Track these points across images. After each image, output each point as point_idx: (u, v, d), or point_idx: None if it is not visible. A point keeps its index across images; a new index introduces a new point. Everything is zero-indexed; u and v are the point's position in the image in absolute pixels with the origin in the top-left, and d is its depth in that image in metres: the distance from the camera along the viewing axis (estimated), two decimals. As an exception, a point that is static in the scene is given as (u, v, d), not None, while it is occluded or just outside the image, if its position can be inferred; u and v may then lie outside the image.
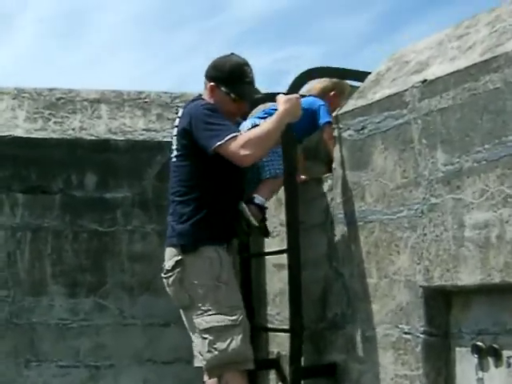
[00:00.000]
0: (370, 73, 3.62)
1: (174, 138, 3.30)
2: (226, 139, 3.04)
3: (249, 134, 3.09)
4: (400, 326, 3.00)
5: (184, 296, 3.14)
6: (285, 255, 3.48)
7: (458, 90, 2.76)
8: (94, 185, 4.11)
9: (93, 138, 4.13)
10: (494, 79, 2.61)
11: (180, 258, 3.12)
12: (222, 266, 3.13)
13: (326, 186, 3.57)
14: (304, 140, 4.07)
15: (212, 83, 3.27)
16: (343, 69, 3.60)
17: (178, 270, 3.12)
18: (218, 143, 3.05)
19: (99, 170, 4.12)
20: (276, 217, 3.96)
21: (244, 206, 3.33)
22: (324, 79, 3.92)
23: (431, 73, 2.98)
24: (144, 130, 4.22)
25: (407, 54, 3.43)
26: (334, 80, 3.93)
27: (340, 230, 3.40)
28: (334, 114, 3.54)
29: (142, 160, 4.13)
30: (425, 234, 2.89)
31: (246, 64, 3.32)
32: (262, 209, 3.40)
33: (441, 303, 2.89)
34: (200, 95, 3.35)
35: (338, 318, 3.40)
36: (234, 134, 3.07)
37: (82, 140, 4.12)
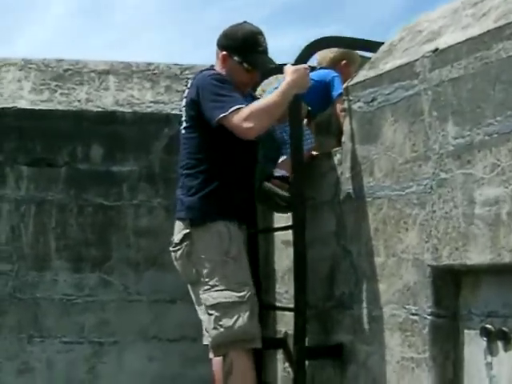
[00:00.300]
0: (383, 43, 3.47)
1: (183, 109, 3.21)
2: (229, 111, 2.95)
3: (252, 107, 2.98)
4: (407, 306, 2.87)
5: (191, 270, 3.06)
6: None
7: (470, 59, 2.61)
8: (99, 158, 4.02)
9: (99, 109, 4.04)
10: (508, 47, 2.45)
11: (188, 231, 3.04)
12: (232, 241, 3.04)
13: (335, 161, 3.43)
14: (318, 115, 3.94)
15: (224, 52, 3.17)
16: (354, 38, 3.45)
17: (185, 243, 3.05)
18: (222, 115, 2.95)
19: (105, 142, 4.03)
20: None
21: (267, 183, 3.26)
22: (333, 49, 3.75)
23: (443, 42, 2.82)
24: (152, 102, 4.12)
25: (421, 23, 3.27)
26: (343, 49, 3.77)
27: (348, 206, 3.28)
28: (344, 85, 3.40)
29: (150, 133, 4.03)
30: (434, 211, 2.76)
31: (260, 33, 3.22)
32: (285, 179, 3.34)
33: (449, 283, 2.75)
34: (212, 66, 3.24)
35: (345, 297, 3.29)
36: (239, 106, 2.96)
37: (88, 112, 4.02)
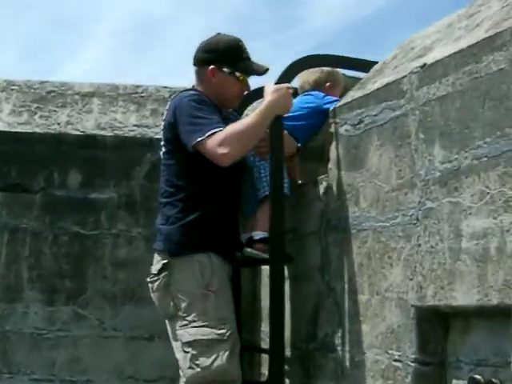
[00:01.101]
0: (376, 62, 3.21)
1: (161, 133, 2.99)
2: (206, 135, 2.71)
3: (227, 130, 2.74)
4: (390, 351, 2.56)
5: (168, 303, 2.82)
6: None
7: (458, 73, 2.33)
8: (77, 184, 3.81)
9: (79, 133, 3.82)
10: (498, 59, 2.17)
11: (167, 261, 2.81)
12: (214, 273, 2.80)
13: (321, 189, 3.16)
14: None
15: (212, 66, 2.94)
16: (345, 57, 3.18)
17: (164, 274, 2.82)
18: (199, 139, 2.72)
19: (84, 167, 3.82)
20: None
21: (248, 250, 3.01)
22: (314, 70, 3.45)
23: (432, 56, 2.55)
24: (135, 125, 3.90)
25: (415, 39, 3.01)
26: (326, 69, 3.48)
27: (334, 238, 3.00)
28: (331, 107, 3.13)
29: (131, 158, 3.79)
30: (419, 245, 2.46)
31: (240, 40, 3.04)
32: (266, 240, 3.01)
33: (436, 326, 2.44)
34: (193, 86, 3.02)
35: (328, 339, 2.98)
36: (216, 130, 2.71)
37: (67, 135, 3.81)
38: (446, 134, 2.37)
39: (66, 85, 4.09)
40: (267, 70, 3.06)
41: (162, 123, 2.98)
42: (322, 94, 3.38)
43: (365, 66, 3.18)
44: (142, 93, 4.09)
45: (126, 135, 3.85)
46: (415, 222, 2.49)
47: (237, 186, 3.04)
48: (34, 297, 3.75)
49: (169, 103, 2.97)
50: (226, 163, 2.77)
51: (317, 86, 3.46)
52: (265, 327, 3.63)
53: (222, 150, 2.70)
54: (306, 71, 3.42)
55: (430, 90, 2.47)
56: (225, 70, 2.94)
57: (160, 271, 2.82)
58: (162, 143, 2.97)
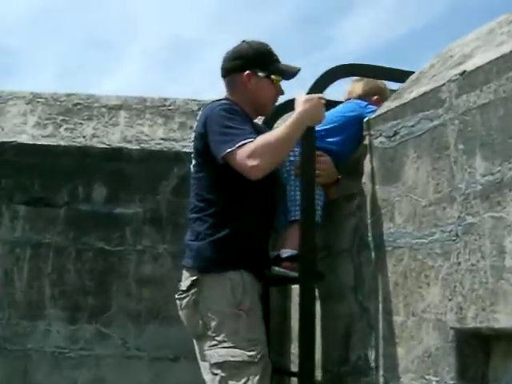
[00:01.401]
0: (413, 72, 3.07)
1: (192, 144, 2.88)
2: (237, 145, 2.58)
3: (257, 141, 2.60)
4: (427, 376, 2.40)
5: (197, 322, 2.68)
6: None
7: (501, 80, 2.19)
8: (102, 198, 3.70)
9: (104, 146, 3.71)
10: (545, 63, 2.03)
11: (196, 277, 2.68)
12: (245, 292, 2.66)
13: (354, 204, 3.02)
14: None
15: (247, 72, 2.84)
16: (380, 67, 3.04)
17: (193, 291, 2.68)
18: (229, 149, 2.59)
19: (109, 182, 3.71)
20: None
21: (276, 269, 2.86)
22: (367, 80, 3.34)
23: (472, 63, 2.40)
24: (162, 139, 3.78)
25: (453, 48, 2.87)
26: (376, 82, 3.34)
27: (367, 256, 2.84)
28: (365, 119, 3.00)
29: (158, 172, 3.68)
30: (459, 263, 2.30)
31: (268, 44, 2.95)
32: (294, 258, 2.86)
33: (477, 350, 2.28)
34: (225, 98, 2.91)
35: (361, 362, 2.83)
36: (247, 140, 2.59)
37: (92, 148, 3.71)
38: (487, 144, 2.22)
39: (93, 97, 4.00)
40: (299, 69, 2.98)
41: (193, 134, 2.87)
42: (365, 103, 3.24)
43: (401, 76, 3.04)
44: (169, 106, 3.99)
45: (153, 148, 3.74)
46: (454, 238, 2.34)
47: (269, 201, 2.91)
48: (57, 314, 3.64)
49: (200, 113, 2.85)
50: (256, 176, 2.65)
51: (364, 97, 3.32)
52: (294, 349, 3.47)
53: (252, 162, 2.57)
54: (354, 81, 3.33)
55: (470, 98, 2.32)
56: (260, 74, 2.85)
57: (189, 288, 2.69)
58: (192, 155, 2.87)
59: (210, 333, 2.64)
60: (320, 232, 3.00)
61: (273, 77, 2.88)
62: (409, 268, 2.56)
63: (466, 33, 2.86)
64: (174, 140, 3.77)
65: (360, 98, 3.42)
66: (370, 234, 2.84)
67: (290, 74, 2.94)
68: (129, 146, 3.74)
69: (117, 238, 3.70)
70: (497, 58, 2.23)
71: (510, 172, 2.11)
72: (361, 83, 3.41)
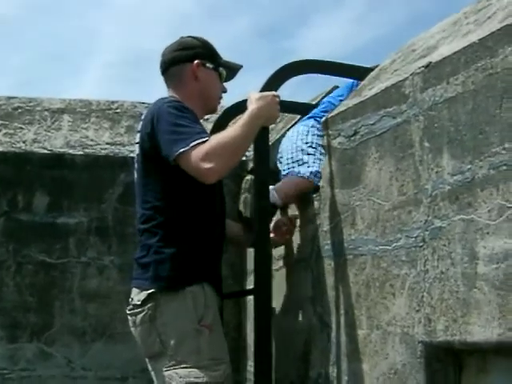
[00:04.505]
0: (373, 69, 2.89)
1: (136, 147, 2.62)
2: (190, 145, 2.34)
3: (212, 142, 2.36)
4: (393, 395, 2.21)
5: (154, 340, 2.41)
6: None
7: (469, 71, 2.01)
8: (43, 207, 3.47)
9: (46, 151, 3.47)
10: (518, 50, 1.85)
11: (154, 290, 2.40)
12: (207, 306, 2.42)
13: (311, 210, 2.82)
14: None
15: (196, 61, 2.62)
16: (337, 63, 2.86)
17: (149, 305, 2.40)
18: (182, 149, 2.34)
19: (51, 189, 3.49)
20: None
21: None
22: None
23: (438, 54, 2.23)
24: (108, 143, 3.56)
25: (416, 42, 2.70)
26: None
27: (326, 265, 2.66)
28: (323, 119, 2.81)
29: (103, 179, 3.45)
30: (426, 271, 2.12)
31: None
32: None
33: (447, 366, 2.10)
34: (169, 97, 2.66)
35: (321, 380, 2.63)
36: (201, 140, 2.35)
37: (33, 154, 3.47)
38: (456, 141, 2.05)
39: (35, 100, 3.76)
40: (241, 67, 2.80)
41: (137, 136, 2.61)
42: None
43: (361, 73, 2.87)
44: (116, 109, 3.76)
45: (98, 154, 3.51)
46: (421, 244, 2.15)
47: (221, 208, 2.69)
48: (-5, 333, 3.38)
49: (144, 113, 2.62)
50: (211, 180, 2.41)
51: None
52: (251, 366, 3.27)
53: (207, 165, 2.32)
54: None
55: (436, 91, 2.15)
56: (208, 65, 2.64)
57: (144, 302, 2.41)
58: (136, 158, 2.61)
59: (168, 351, 2.38)
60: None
61: (220, 69, 2.68)
62: (372, 277, 2.38)
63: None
64: (121, 144, 3.54)
65: None
66: (329, 242, 2.65)
67: (234, 69, 2.76)
68: (72, 151, 3.51)
69: (59, 250, 3.47)
70: (464, 48, 2.05)
71: (481, 170, 1.94)
72: None
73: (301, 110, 3.21)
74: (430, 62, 2.20)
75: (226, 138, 2.40)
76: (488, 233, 1.90)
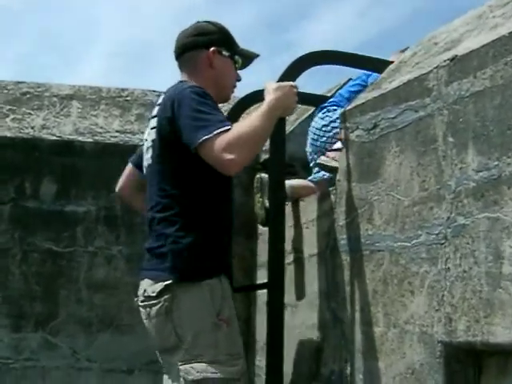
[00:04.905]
0: (392, 62, 2.84)
1: (151, 132, 2.49)
2: (214, 133, 2.24)
3: (234, 132, 2.26)
4: (410, 395, 2.16)
5: (169, 333, 2.32)
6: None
7: (498, 65, 1.95)
8: (51, 195, 3.42)
9: (54, 138, 3.41)
10: (551, 45, 1.80)
11: (171, 281, 2.30)
12: (224, 299, 2.34)
13: (327, 204, 2.77)
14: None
15: (213, 48, 2.53)
16: (356, 55, 2.81)
17: (166, 297, 2.30)
18: (205, 137, 2.24)
19: (59, 177, 3.43)
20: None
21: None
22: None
23: (463, 47, 2.18)
24: (118, 131, 3.50)
25: (437, 35, 2.64)
26: None
27: (342, 261, 2.60)
28: (340, 110, 2.76)
29: (113, 167, 3.31)
30: (448, 269, 2.07)
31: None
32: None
33: (467, 367, 2.05)
34: (182, 81, 2.57)
35: (334, 378, 2.59)
36: (224, 128, 2.26)
37: (41, 140, 3.42)
38: (482, 136, 1.99)
39: (43, 86, 3.70)
40: (258, 55, 2.71)
41: (153, 121, 2.49)
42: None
43: (379, 65, 2.82)
44: (127, 96, 3.70)
45: (108, 142, 3.45)
46: (443, 241, 2.10)
47: (232, 197, 2.61)
48: (0, 322, 3.33)
49: (162, 97, 2.50)
50: (232, 171, 2.33)
51: None
52: (260, 361, 3.23)
53: (229, 156, 2.23)
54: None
55: (462, 85, 2.09)
56: (224, 53, 2.55)
57: (160, 294, 2.31)
58: (150, 144, 2.48)
59: (184, 345, 2.30)
60: (288, 234, 2.75)
61: (236, 57, 2.60)
62: (389, 274, 2.33)
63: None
64: (131, 133, 3.48)
65: None
66: (345, 237, 2.60)
67: (250, 57, 2.68)
68: (81, 138, 3.45)
69: (67, 239, 3.42)
70: (493, 41, 2.00)
71: (508, 168, 1.88)
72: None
73: (316, 101, 3.16)
74: (456, 55, 2.14)
75: (248, 128, 2.32)
76: (515, 232, 1.85)
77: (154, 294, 2.32)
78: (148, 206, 2.48)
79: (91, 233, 3.41)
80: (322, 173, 3.00)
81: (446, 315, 2.06)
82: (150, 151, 2.48)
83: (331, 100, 3.20)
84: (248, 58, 2.67)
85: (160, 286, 2.31)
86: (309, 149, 3.14)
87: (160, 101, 2.48)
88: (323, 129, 3.03)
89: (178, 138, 2.33)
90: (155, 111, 2.50)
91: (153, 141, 2.46)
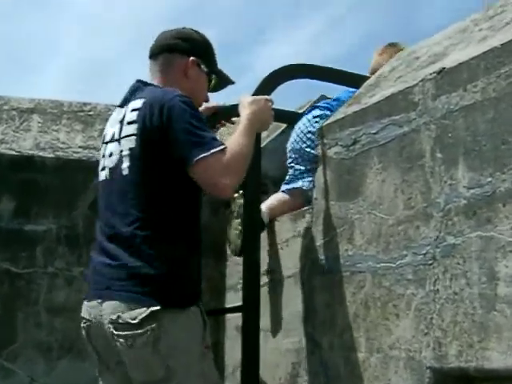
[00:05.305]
0: (369, 77, 2.76)
1: (127, 140, 2.22)
2: (211, 151, 2.09)
3: (227, 155, 2.12)
4: (396, 426, 2.05)
5: (158, 366, 2.08)
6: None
7: (491, 77, 1.88)
8: (9, 213, 3.22)
9: (13, 153, 3.25)
10: (548, 56, 1.73)
11: (157, 308, 2.06)
12: (206, 326, 2.16)
13: (303, 224, 2.66)
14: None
15: (192, 58, 2.35)
16: (337, 70, 2.72)
17: (153, 325, 2.05)
18: (201, 155, 2.08)
19: (18, 194, 3.24)
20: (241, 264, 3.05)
21: None
22: (390, 50, 3.16)
23: (451, 60, 2.10)
24: (81, 147, 3.35)
25: (418, 49, 2.57)
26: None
27: (319, 282, 2.50)
28: (317, 126, 2.66)
29: (75, 184, 3.22)
30: (437, 291, 1.98)
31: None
32: None
33: (459, 395, 1.95)
34: (148, 83, 2.35)
35: (311, 406, 2.46)
36: (220, 148, 2.11)
37: (0, 155, 3.23)
38: (473, 152, 1.91)
39: (2, 99, 3.53)
40: (234, 82, 2.55)
41: (129, 127, 2.21)
42: None
43: (355, 80, 2.73)
44: (89, 111, 3.55)
45: (70, 157, 3.29)
46: (431, 261, 2.01)
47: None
48: (-49, 347, 3.14)
49: (143, 101, 2.21)
50: (227, 195, 2.21)
51: None
52: (228, 387, 3.09)
53: (225, 180, 2.10)
54: (381, 54, 3.17)
55: (450, 99, 2.01)
56: (202, 67, 2.38)
57: (144, 321, 2.05)
58: (127, 153, 2.20)
59: (175, 379, 2.08)
60: (262, 255, 2.62)
61: (213, 76, 2.44)
62: (372, 296, 2.22)
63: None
64: (94, 148, 3.32)
65: None
66: (322, 257, 2.49)
67: (226, 81, 2.52)
68: (42, 153, 3.28)
69: (25, 259, 3.22)
70: (484, 53, 1.93)
71: (503, 184, 1.80)
72: (389, 55, 3.13)
73: (289, 118, 3.06)
74: (444, 68, 2.06)
75: (238, 148, 2.15)
76: (511, 251, 1.76)
77: (136, 322, 2.07)
78: (118, 219, 2.19)
79: (51, 253, 3.22)
80: (301, 182, 2.88)
81: (435, 339, 1.96)
82: (127, 161, 2.20)
83: (327, 101, 3.06)
84: (223, 82, 2.50)
85: (143, 312, 2.06)
86: (290, 147, 3.00)
87: (138, 104, 2.22)
88: (308, 136, 2.91)
89: (164, 148, 2.14)
90: (132, 115, 2.23)
91: (131, 149, 2.20)
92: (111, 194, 2.23)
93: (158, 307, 2.04)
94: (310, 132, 2.89)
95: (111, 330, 2.09)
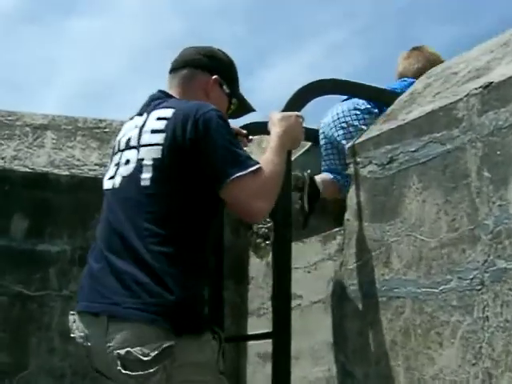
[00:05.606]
0: (400, 94, 2.66)
1: (150, 149, 2.06)
2: (248, 170, 1.98)
3: (262, 177, 2.01)
4: None
5: None
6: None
7: (546, 91, 1.77)
8: (22, 232, 3.09)
9: (27, 170, 3.13)
10: None
11: (171, 343, 1.88)
12: (221, 350, 2.01)
13: (333, 246, 2.55)
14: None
15: (215, 76, 2.24)
16: (365, 85, 2.62)
17: (164, 362, 1.88)
18: (239, 173, 1.97)
19: (31, 213, 3.11)
20: (265, 288, 2.93)
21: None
22: (419, 58, 3.14)
23: (498, 74, 1.99)
24: (97, 164, 3.23)
25: (452, 66, 2.47)
26: (432, 58, 3.09)
27: (352, 308, 2.37)
28: (348, 144, 2.55)
29: (90, 203, 3.08)
30: (486, 318, 1.86)
31: None
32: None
33: (511, 432, 1.82)
34: (167, 94, 2.22)
35: None
36: (256, 166, 2.00)
37: (12, 172, 3.13)
38: (526, 170, 1.80)
39: (14, 114, 3.42)
40: (255, 110, 2.42)
41: (155, 136, 2.06)
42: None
43: (385, 96, 2.63)
44: (105, 128, 3.44)
45: (86, 175, 3.18)
46: (479, 287, 1.89)
47: None
48: (-40, 373, 3.00)
49: (172, 111, 2.07)
50: (260, 220, 2.14)
51: (420, 75, 2.84)
52: (250, 417, 2.96)
53: (259, 203, 1.99)
54: (407, 59, 3.13)
55: (499, 115, 1.90)
56: (225, 87, 2.27)
57: (158, 358, 1.87)
58: (151, 163, 2.04)
59: None
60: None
61: (234, 100, 2.31)
62: (412, 323, 2.10)
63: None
64: (111, 166, 3.22)
65: (416, 75, 2.95)
66: (355, 282, 2.37)
67: (247, 108, 2.39)
68: (57, 171, 3.17)
69: (38, 281, 3.09)
70: (538, 66, 1.82)
71: (562, 205, 1.69)
72: (415, 61, 3.15)
73: (313, 137, 2.97)
74: (491, 83, 1.96)
75: (272, 167, 2.04)
76: None
77: (148, 359, 1.88)
78: (129, 231, 2.01)
79: (65, 275, 3.09)
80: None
81: (484, 370, 1.84)
82: (149, 171, 2.05)
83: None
84: (244, 108, 2.37)
85: (155, 347, 1.87)
86: (322, 130, 3.05)
87: (167, 115, 2.08)
88: (343, 125, 2.92)
89: (195, 162, 2.01)
90: (155, 125, 2.09)
91: (154, 159, 2.05)
92: (122, 204, 2.08)
93: (172, 342, 1.87)
94: (345, 122, 2.86)
95: (119, 367, 1.90)
